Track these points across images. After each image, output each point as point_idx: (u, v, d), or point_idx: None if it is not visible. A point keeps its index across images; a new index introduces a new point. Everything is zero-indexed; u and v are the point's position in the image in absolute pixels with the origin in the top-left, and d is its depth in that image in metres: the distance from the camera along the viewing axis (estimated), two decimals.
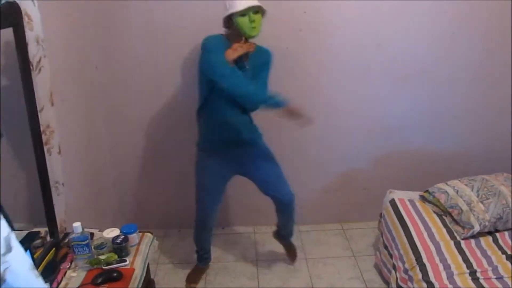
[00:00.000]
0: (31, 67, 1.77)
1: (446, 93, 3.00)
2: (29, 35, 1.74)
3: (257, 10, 2.24)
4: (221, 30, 2.38)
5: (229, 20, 2.28)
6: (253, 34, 2.26)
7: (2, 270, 0.95)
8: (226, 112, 2.40)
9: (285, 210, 2.72)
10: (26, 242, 1.79)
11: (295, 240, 3.07)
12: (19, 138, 1.86)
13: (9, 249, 0.97)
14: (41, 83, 1.86)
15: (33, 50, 1.79)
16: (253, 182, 2.62)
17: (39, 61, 1.84)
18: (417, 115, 3.05)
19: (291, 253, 2.98)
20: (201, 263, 2.90)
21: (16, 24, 1.66)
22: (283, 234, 2.93)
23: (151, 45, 2.77)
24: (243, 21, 2.23)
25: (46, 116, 1.89)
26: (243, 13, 2.21)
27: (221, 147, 2.51)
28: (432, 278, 2.12)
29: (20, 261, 1.02)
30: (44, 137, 1.89)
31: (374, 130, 3.09)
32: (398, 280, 2.36)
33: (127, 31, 2.74)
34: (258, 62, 2.38)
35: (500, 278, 2.10)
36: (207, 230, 2.78)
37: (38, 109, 1.83)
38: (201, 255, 2.88)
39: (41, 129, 1.86)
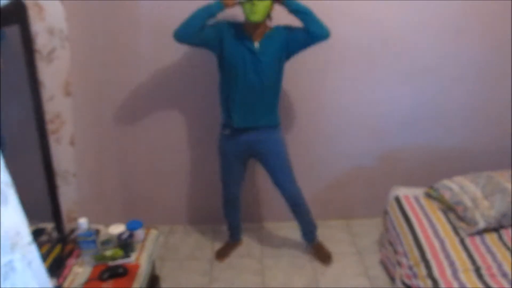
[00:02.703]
0: (41, 57, 1.78)
1: (451, 90, 2.99)
2: (39, 26, 1.75)
3: None
4: None
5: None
6: (252, 19, 2.31)
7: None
8: (239, 93, 2.47)
9: (292, 206, 2.82)
10: (33, 238, 1.81)
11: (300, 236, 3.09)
12: (25, 134, 1.87)
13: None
14: (53, 73, 1.86)
15: (43, 41, 1.80)
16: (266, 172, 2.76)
17: (51, 52, 1.85)
18: (422, 112, 3.04)
19: (320, 255, 2.96)
20: (231, 239, 3.10)
21: (22, 21, 1.67)
22: (303, 236, 3.00)
23: (161, 42, 2.77)
24: (246, 4, 2.28)
25: (56, 106, 1.90)
26: None
27: (235, 128, 2.56)
28: (436, 274, 2.12)
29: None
30: (52, 126, 1.89)
31: (379, 126, 3.08)
32: (403, 276, 2.36)
33: (134, 28, 2.75)
34: (275, 42, 2.42)
35: (505, 275, 2.09)
36: (232, 206, 2.92)
37: (46, 98, 1.84)
38: (231, 232, 3.08)
39: (49, 118, 1.87)
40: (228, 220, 3.01)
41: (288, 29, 2.44)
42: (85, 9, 2.43)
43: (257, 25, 2.38)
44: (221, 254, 3.01)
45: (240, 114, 2.51)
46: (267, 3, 2.29)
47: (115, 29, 2.74)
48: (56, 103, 1.90)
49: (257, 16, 2.30)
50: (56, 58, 1.85)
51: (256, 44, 2.41)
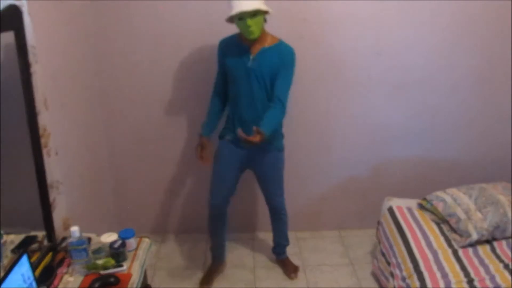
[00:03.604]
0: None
1: (445, 102, 3.01)
2: None
3: (255, 13, 2.20)
4: (222, 31, 2.48)
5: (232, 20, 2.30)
6: (252, 37, 2.29)
7: None
8: (242, 108, 2.48)
9: (274, 216, 2.83)
10: (23, 246, 1.79)
11: (293, 247, 3.07)
12: (17, 142, 1.86)
13: None
14: (34, 88, 1.85)
15: None
16: (256, 180, 2.73)
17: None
18: (416, 123, 3.06)
19: (288, 269, 2.93)
20: (214, 261, 2.91)
21: (17, 28, 1.67)
22: (275, 248, 2.97)
23: (151, 50, 2.78)
24: (241, 25, 2.26)
25: (42, 120, 1.89)
26: (240, 16, 2.21)
27: (235, 137, 2.49)
28: (429, 286, 2.11)
29: None
30: (42, 140, 1.89)
31: (374, 137, 3.09)
32: None
33: (128, 36, 2.75)
34: (273, 59, 2.37)
35: (497, 287, 2.10)
36: (219, 220, 2.75)
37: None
38: (214, 252, 2.88)
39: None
40: (213, 238, 2.84)
41: (282, 65, 2.39)
42: (60, 17, 2.39)
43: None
44: (206, 282, 2.82)
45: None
46: (260, 18, 2.25)
47: (97, 35, 2.74)
48: (41, 117, 1.89)
49: (255, 34, 2.27)
50: (34, 73, 1.84)
51: (252, 57, 2.39)
